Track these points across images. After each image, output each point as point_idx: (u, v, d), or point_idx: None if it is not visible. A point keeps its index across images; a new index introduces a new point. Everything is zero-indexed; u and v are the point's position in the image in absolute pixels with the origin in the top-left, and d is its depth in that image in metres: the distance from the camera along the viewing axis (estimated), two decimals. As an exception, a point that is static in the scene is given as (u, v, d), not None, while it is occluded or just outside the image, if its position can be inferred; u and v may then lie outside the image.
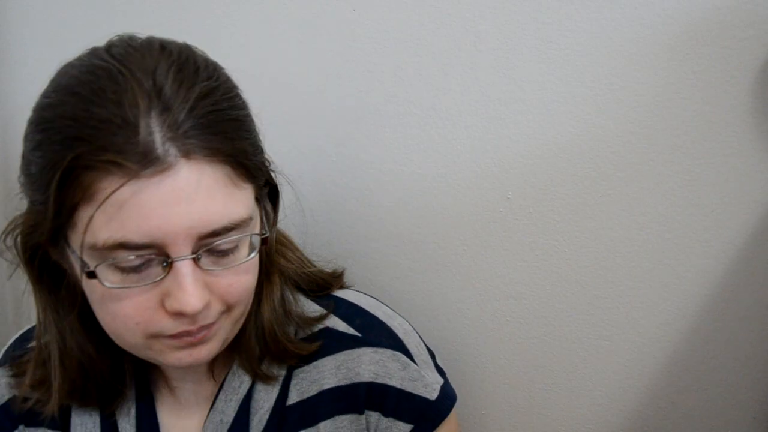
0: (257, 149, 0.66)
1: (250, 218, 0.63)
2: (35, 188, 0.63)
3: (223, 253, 0.62)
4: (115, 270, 0.60)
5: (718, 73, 0.79)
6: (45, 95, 0.63)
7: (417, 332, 0.79)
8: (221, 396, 0.74)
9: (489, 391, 0.97)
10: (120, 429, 0.74)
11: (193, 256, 0.60)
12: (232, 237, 0.61)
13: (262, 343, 0.73)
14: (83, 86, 0.59)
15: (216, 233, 0.60)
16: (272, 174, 0.71)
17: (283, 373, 0.75)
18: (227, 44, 0.99)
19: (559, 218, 0.89)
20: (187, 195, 0.58)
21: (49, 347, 0.70)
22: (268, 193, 0.72)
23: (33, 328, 0.76)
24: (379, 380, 0.73)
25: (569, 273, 0.90)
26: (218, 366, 0.75)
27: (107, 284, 0.60)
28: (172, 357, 0.64)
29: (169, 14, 1.03)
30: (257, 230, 0.66)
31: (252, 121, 0.66)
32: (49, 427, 0.75)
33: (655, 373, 0.89)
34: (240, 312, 0.67)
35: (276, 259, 0.75)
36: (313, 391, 0.74)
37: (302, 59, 0.97)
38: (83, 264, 0.60)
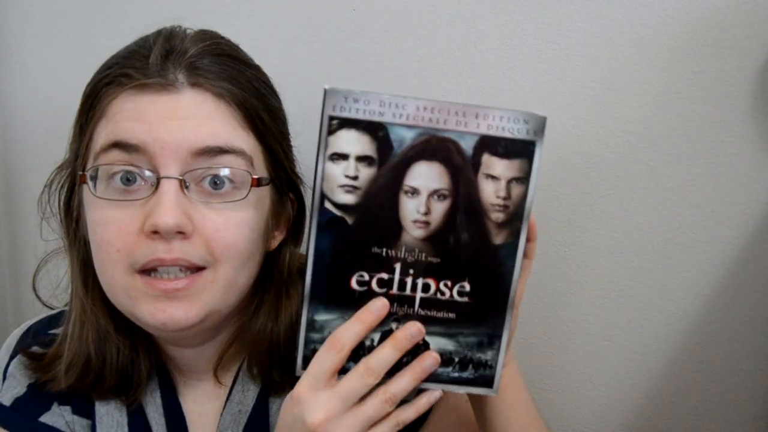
0: (279, 137, 0.69)
1: (250, 157, 0.64)
2: (74, 130, 0.68)
3: (215, 186, 0.63)
4: (107, 185, 0.62)
5: (718, 73, 0.79)
6: None
7: None
8: (236, 390, 0.73)
9: (489, 391, 0.97)
10: (149, 418, 0.73)
11: (180, 177, 0.61)
12: (226, 162, 0.62)
13: (275, 356, 0.71)
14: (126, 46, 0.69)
15: (208, 150, 0.62)
16: (300, 183, 0.72)
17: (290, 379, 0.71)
18: (227, 44, 0.99)
19: (559, 218, 0.89)
20: (184, 113, 0.61)
21: (72, 315, 0.70)
22: (293, 206, 0.73)
23: (52, 316, 0.77)
24: None
25: (569, 273, 0.90)
26: (225, 372, 0.74)
27: (97, 192, 0.62)
28: (146, 309, 0.62)
29: (169, 14, 1.03)
30: (256, 173, 0.65)
31: (278, 112, 0.71)
32: (76, 413, 0.73)
33: (655, 373, 0.89)
34: (226, 276, 0.64)
35: (294, 268, 0.73)
36: None
37: (302, 59, 0.97)
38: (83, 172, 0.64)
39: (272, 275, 0.71)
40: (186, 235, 0.61)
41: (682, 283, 0.85)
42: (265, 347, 0.71)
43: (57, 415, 0.74)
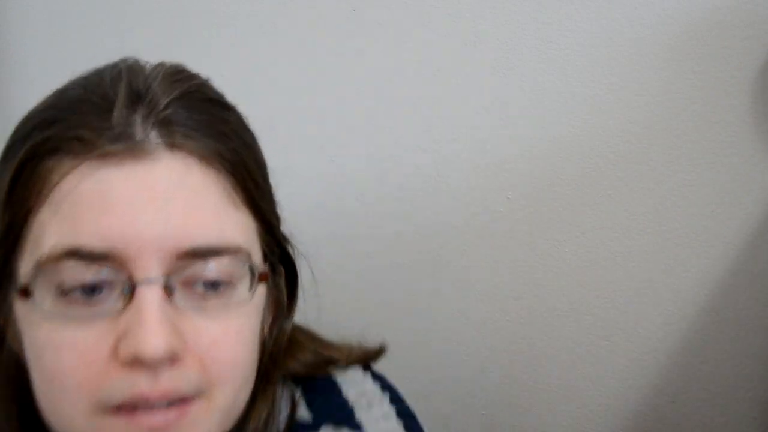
0: (271, 200, 0.54)
1: (248, 253, 0.48)
2: None
3: (211, 289, 0.47)
4: (58, 297, 0.44)
5: (718, 73, 0.79)
6: None
7: (399, 401, 0.60)
8: None
9: (489, 391, 0.97)
10: None
11: (164, 280, 0.44)
12: (220, 264, 0.46)
13: None
14: (69, 83, 0.51)
15: (198, 253, 0.45)
16: (289, 246, 0.56)
17: None
18: (226, 44, 0.99)
19: (559, 218, 0.89)
20: (165, 191, 0.45)
21: None
22: (284, 275, 0.57)
23: None
24: None
25: (569, 273, 0.89)
26: None
27: (45, 308, 0.44)
28: None
29: (169, 13, 1.03)
30: (258, 266, 0.50)
31: (266, 167, 0.54)
32: None
33: (655, 373, 0.89)
34: (224, 400, 0.48)
35: (283, 362, 0.58)
36: None
37: (302, 59, 0.96)
38: (18, 285, 0.46)
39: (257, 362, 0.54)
40: (176, 359, 0.45)
41: (682, 283, 0.85)
42: None
43: None
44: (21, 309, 0.47)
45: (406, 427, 0.58)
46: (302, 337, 0.61)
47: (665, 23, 0.80)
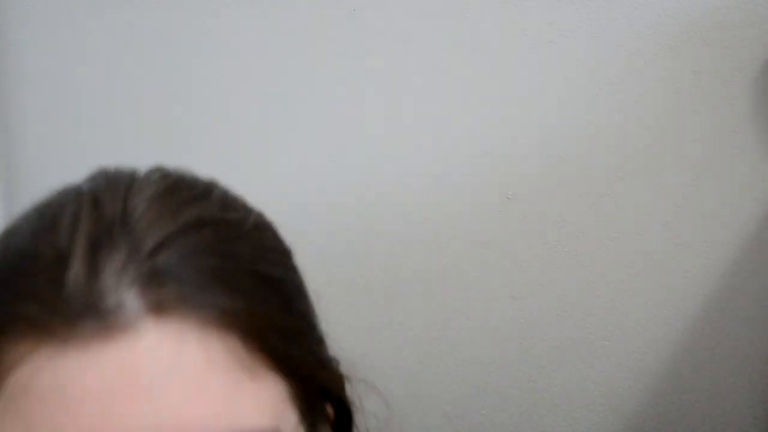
0: (305, 331, 0.40)
1: (277, 426, 0.36)
2: None
3: None
4: None
5: (718, 73, 0.79)
6: None
7: None
8: None
9: (489, 391, 0.97)
10: None
11: None
12: None
13: None
14: (23, 216, 0.38)
15: None
16: (338, 378, 0.43)
17: None
18: (225, 44, 0.99)
19: (560, 218, 0.89)
20: (151, 380, 0.32)
21: None
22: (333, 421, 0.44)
23: None
24: None
25: (569, 273, 0.89)
26: None
27: None
28: None
29: (169, 13, 1.03)
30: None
31: (304, 294, 0.41)
32: None
33: (655, 373, 0.89)
34: None
35: None
36: None
37: (302, 59, 0.96)
38: None
39: None
40: None
41: (682, 283, 0.85)
42: None
43: None
44: None
45: None
46: None
47: (665, 23, 0.80)
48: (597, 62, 0.83)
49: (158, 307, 0.33)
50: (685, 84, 0.80)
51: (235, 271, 0.36)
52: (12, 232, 0.37)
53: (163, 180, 0.38)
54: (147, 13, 1.05)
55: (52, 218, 0.35)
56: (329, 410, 0.43)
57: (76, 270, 0.32)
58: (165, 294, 0.33)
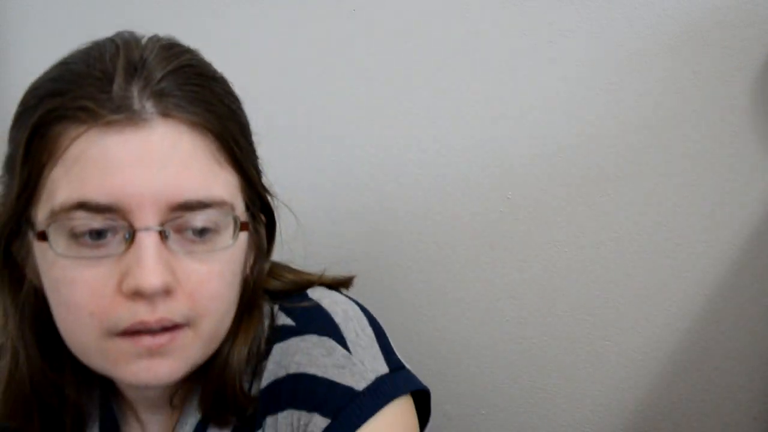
0: (253, 158, 0.62)
1: (231, 205, 0.57)
2: (9, 167, 0.58)
3: (199, 236, 0.55)
4: (70, 240, 0.53)
5: (718, 73, 0.79)
6: None
7: (372, 320, 0.68)
8: (178, 427, 0.66)
9: (489, 391, 0.97)
10: None
11: (160, 228, 0.53)
12: (208, 215, 0.55)
13: (220, 393, 0.63)
14: (71, 56, 0.58)
15: (188, 205, 0.54)
16: (270, 197, 0.64)
17: (234, 417, 0.65)
18: (225, 44, 0.99)
19: (559, 218, 0.89)
20: (160, 156, 0.53)
21: (5, 357, 0.62)
22: (265, 223, 0.65)
23: None
24: (301, 369, 0.62)
25: (569, 273, 0.90)
26: (179, 398, 0.66)
27: (59, 250, 0.53)
28: (128, 369, 0.55)
29: (168, 12, 1.03)
30: (240, 216, 0.58)
31: (248, 128, 0.62)
32: None
33: (655, 373, 0.89)
34: (208, 329, 0.58)
35: (260, 294, 0.67)
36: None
37: (302, 59, 0.97)
38: (35, 230, 0.54)
39: (238, 300, 0.63)
40: (169, 292, 0.54)
41: (682, 283, 0.85)
42: (214, 382, 0.63)
43: None
44: (39, 250, 0.56)
45: (378, 342, 0.66)
46: (280, 268, 0.71)
47: (665, 23, 0.80)
48: (597, 62, 0.83)
49: (164, 113, 0.54)
50: (685, 84, 0.80)
51: (213, 99, 0.57)
52: (66, 61, 0.58)
53: (164, 39, 0.60)
54: (147, 13, 1.05)
55: (98, 54, 0.56)
56: (262, 217, 0.64)
57: (117, 84, 0.53)
58: (168, 106, 0.54)
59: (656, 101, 0.82)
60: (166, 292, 0.54)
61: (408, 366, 0.66)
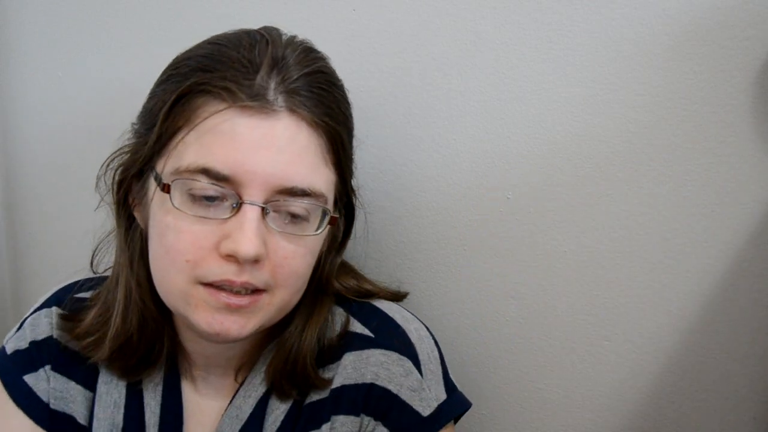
0: (350, 161, 0.72)
1: (326, 199, 0.66)
2: (146, 118, 0.67)
3: (293, 219, 0.64)
4: (187, 197, 0.62)
5: (718, 73, 0.79)
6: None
7: (434, 340, 0.78)
8: (240, 392, 0.75)
9: (489, 391, 0.97)
10: (145, 400, 0.75)
11: (263, 205, 0.62)
12: (305, 203, 0.64)
13: (290, 366, 0.72)
14: (224, 38, 0.67)
15: (292, 191, 0.63)
16: (354, 198, 0.75)
17: (296, 392, 0.74)
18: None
19: (559, 218, 0.89)
20: (279, 144, 0.61)
21: (116, 294, 0.71)
22: (344, 218, 0.76)
23: (78, 282, 0.80)
24: (380, 382, 0.72)
25: (569, 273, 0.90)
26: (243, 368, 0.76)
27: (176, 203, 0.62)
28: (204, 316, 0.63)
29: (168, 13, 1.03)
30: (330, 210, 0.67)
31: (353, 132, 0.72)
32: (80, 384, 0.76)
33: (655, 373, 0.89)
34: (282, 299, 0.67)
35: (333, 283, 0.76)
36: (325, 391, 0.73)
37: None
38: (161, 181, 0.63)
39: (310, 284, 0.72)
40: (258, 262, 0.63)
41: (682, 283, 0.85)
42: (285, 355, 0.72)
43: (41, 379, 0.75)
44: (158, 198, 0.65)
45: (443, 370, 0.76)
46: (348, 268, 0.80)
47: (665, 23, 0.80)
48: (597, 62, 0.83)
49: (292, 109, 0.63)
50: (685, 84, 0.80)
51: (333, 105, 0.67)
52: (219, 42, 0.66)
53: (305, 43, 0.69)
54: (148, 14, 1.05)
55: (248, 44, 0.65)
56: (343, 212, 0.75)
57: (260, 76, 0.62)
58: (296, 103, 0.63)
59: (656, 101, 0.82)
60: (256, 261, 0.62)
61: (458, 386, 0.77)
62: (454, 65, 0.89)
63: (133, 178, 0.69)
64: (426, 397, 0.72)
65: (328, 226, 0.68)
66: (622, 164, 0.84)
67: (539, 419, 0.95)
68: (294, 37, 0.69)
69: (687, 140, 0.82)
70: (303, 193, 0.63)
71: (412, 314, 0.79)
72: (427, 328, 0.78)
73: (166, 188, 0.63)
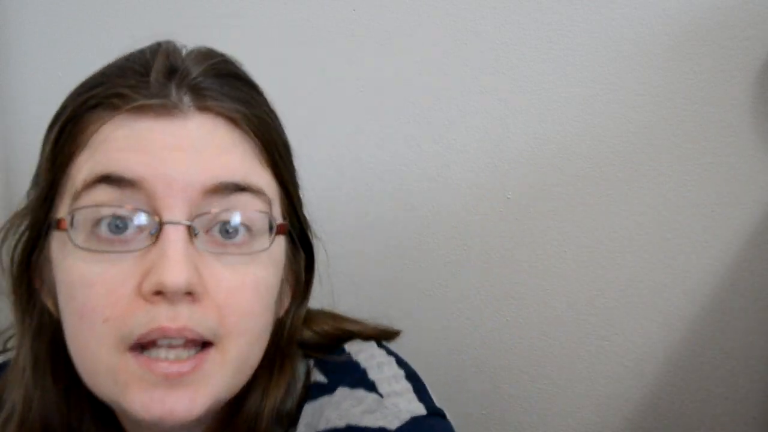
0: (291, 170, 0.58)
1: (269, 198, 0.52)
2: (36, 175, 0.55)
3: (227, 235, 0.50)
4: (91, 233, 0.48)
5: (718, 73, 0.79)
6: None
7: (410, 372, 0.61)
8: None
9: (489, 391, 0.97)
10: None
11: (188, 222, 0.48)
12: (241, 206, 0.50)
13: None
14: (114, 59, 0.56)
15: (222, 188, 0.49)
16: (310, 231, 0.60)
17: None
18: (225, 44, 0.99)
19: (559, 218, 0.89)
20: (194, 142, 0.49)
21: (18, 391, 0.56)
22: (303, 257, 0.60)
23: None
24: (330, 425, 0.56)
25: (569, 273, 0.89)
26: None
27: (78, 241, 0.48)
28: (139, 398, 0.47)
29: (168, 13, 1.03)
30: (277, 219, 0.53)
31: (290, 149, 0.59)
32: None
33: (655, 373, 0.89)
34: (237, 354, 0.50)
35: (298, 334, 0.61)
36: None
37: (302, 59, 0.96)
38: (54, 221, 0.50)
39: (270, 345, 0.56)
40: (195, 298, 0.48)
41: (682, 283, 0.85)
42: (245, 429, 0.56)
43: None
44: (56, 247, 0.51)
45: (415, 389, 0.59)
46: (320, 317, 0.65)
47: (665, 23, 0.80)
48: (597, 62, 0.83)
49: (201, 106, 0.50)
50: (685, 84, 0.80)
51: (250, 98, 0.55)
52: (109, 63, 0.55)
53: (203, 47, 0.57)
54: (148, 14, 1.05)
55: (139, 52, 0.54)
56: (301, 251, 0.59)
57: (155, 74, 0.51)
58: (206, 99, 0.51)
59: (656, 101, 0.82)
60: (192, 296, 0.48)
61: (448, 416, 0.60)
62: (454, 65, 0.89)
63: (31, 246, 0.54)
64: (391, 413, 0.55)
65: (282, 251, 0.55)
66: (622, 164, 0.84)
67: (539, 419, 0.95)
68: (194, 47, 0.58)
69: (687, 140, 0.82)
70: (236, 188, 0.50)
71: (389, 351, 0.63)
72: (402, 363, 0.62)
73: (61, 224, 0.49)
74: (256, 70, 0.98)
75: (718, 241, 0.83)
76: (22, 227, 0.55)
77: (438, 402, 0.61)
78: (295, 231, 0.58)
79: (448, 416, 0.61)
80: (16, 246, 0.55)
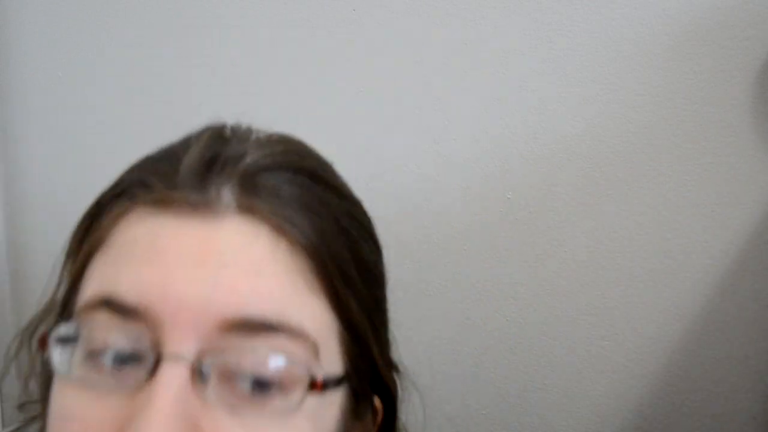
0: (366, 301, 0.43)
1: (314, 343, 0.38)
2: (65, 258, 0.45)
3: (255, 388, 0.36)
4: (86, 360, 0.37)
5: (718, 73, 0.79)
6: None
7: None
8: None
9: (489, 391, 0.97)
10: None
11: (193, 359, 0.35)
12: (273, 351, 0.36)
13: None
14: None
15: (248, 326, 0.36)
16: (392, 378, 0.46)
17: None
18: (225, 44, 0.99)
19: (559, 218, 0.89)
20: (223, 253, 0.37)
21: None
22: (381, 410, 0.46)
23: None
24: None
25: (569, 273, 0.89)
26: None
27: (56, 364, 0.37)
28: None
29: (169, 13, 1.03)
30: (322, 369, 0.38)
31: (381, 271, 0.48)
32: None
33: (655, 373, 0.89)
34: None
35: None
36: None
37: (302, 59, 0.96)
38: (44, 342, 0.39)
39: None
40: None
41: (682, 283, 0.85)
42: None
43: None
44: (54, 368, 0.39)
45: None
46: None
47: (665, 23, 0.80)
48: (597, 62, 0.83)
49: (246, 207, 0.38)
50: (685, 84, 0.80)
51: (320, 208, 0.41)
52: (156, 151, 0.44)
53: (274, 132, 0.45)
54: (148, 14, 1.05)
55: (184, 137, 0.43)
56: (377, 402, 0.45)
57: (189, 161, 0.39)
58: (254, 198, 0.39)
59: (656, 101, 0.82)
60: None
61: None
62: (454, 65, 0.89)
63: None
64: None
65: (334, 412, 0.40)
66: (622, 164, 0.84)
67: (539, 419, 0.95)
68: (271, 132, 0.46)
69: (687, 140, 0.82)
70: (266, 327, 0.36)
71: None
72: None
73: (42, 344, 0.39)
74: (256, 70, 0.99)
75: (718, 241, 0.83)
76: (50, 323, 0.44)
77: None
78: (364, 379, 0.43)
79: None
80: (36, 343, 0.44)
